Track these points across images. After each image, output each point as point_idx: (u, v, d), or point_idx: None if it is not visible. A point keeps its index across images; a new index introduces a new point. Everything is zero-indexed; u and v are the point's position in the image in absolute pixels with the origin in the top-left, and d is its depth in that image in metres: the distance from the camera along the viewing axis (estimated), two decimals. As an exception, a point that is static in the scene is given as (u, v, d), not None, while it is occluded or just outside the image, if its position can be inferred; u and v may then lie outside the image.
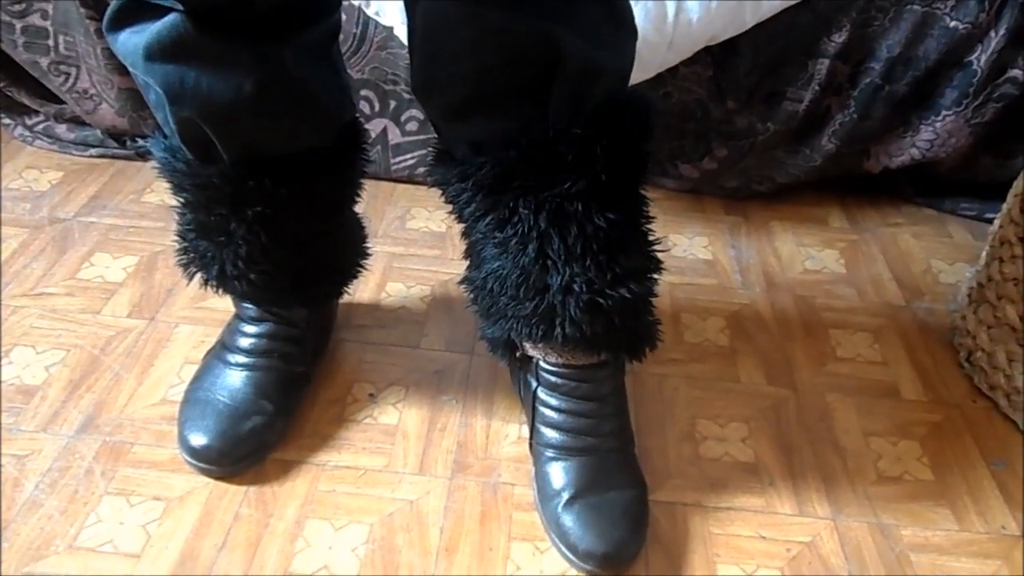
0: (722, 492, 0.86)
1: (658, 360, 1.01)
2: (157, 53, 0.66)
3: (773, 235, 1.26)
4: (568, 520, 0.77)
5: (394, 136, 1.26)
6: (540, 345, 0.78)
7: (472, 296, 0.79)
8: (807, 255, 1.23)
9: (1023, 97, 1.17)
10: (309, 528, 0.80)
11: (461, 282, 0.81)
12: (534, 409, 0.82)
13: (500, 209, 0.69)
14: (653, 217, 0.74)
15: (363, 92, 1.22)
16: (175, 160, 0.76)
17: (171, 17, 0.65)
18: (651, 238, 0.75)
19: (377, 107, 1.23)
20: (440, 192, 0.74)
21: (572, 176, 0.65)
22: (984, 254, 1.03)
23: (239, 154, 0.74)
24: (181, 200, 0.80)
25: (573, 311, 0.71)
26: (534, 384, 0.82)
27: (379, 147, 1.26)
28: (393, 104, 1.23)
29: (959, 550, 0.82)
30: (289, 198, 0.77)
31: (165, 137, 0.76)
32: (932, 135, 1.21)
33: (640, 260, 0.73)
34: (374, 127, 1.25)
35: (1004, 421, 0.97)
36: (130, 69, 0.71)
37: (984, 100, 1.18)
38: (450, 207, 0.75)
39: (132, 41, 0.67)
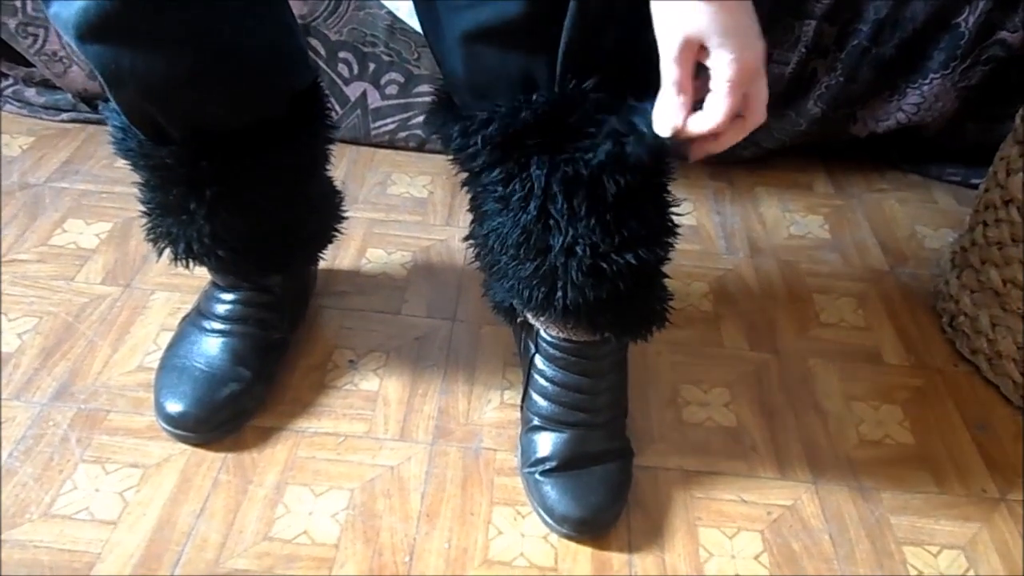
0: (704, 456, 0.86)
1: (641, 325, 1.01)
2: (87, 34, 0.63)
3: (758, 200, 1.26)
4: (547, 486, 0.77)
5: (374, 100, 1.24)
6: (542, 318, 0.75)
7: (475, 252, 0.77)
8: (792, 220, 1.22)
9: (1010, 60, 1.16)
10: (289, 494, 0.79)
11: (466, 238, 0.78)
12: (529, 375, 0.81)
13: (507, 163, 0.65)
14: (674, 176, 0.68)
15: (341, 54, 1.19)
16: (128, 138, 0.73)
17: None
18: (668, 198, 0.69)
19: (356, 70, 1.20)
20: (440, 141, 0.70)
21: (589, 139, 0.62)
22: (968, 218, 1.03)
23: (188, 131, 0.71)
24: (140, 178, 0.77)
25: (575, 275, 0.67)
26: (532, 349, 0.81)
27: (359, 111, 1.24)
28: (372, 67, 1.21)
29: (939, 513, 0.82)
30: (247, 174, 0.74)
31: (119, 114, 0.73)
32: (919, 98, 1.20)
33: (652, 224, 0.68)
34: (353, 91, 1.22)
35: (986, 385, 0.97)
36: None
37: (971, 63, 1.17)
38: (450, 158, 0.71)
39: (63, 16, 0.63)
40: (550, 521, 0.76)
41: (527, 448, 0.80)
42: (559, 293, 0.68)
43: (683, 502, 0.81)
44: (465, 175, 0.71)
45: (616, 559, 0.76)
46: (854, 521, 0.81)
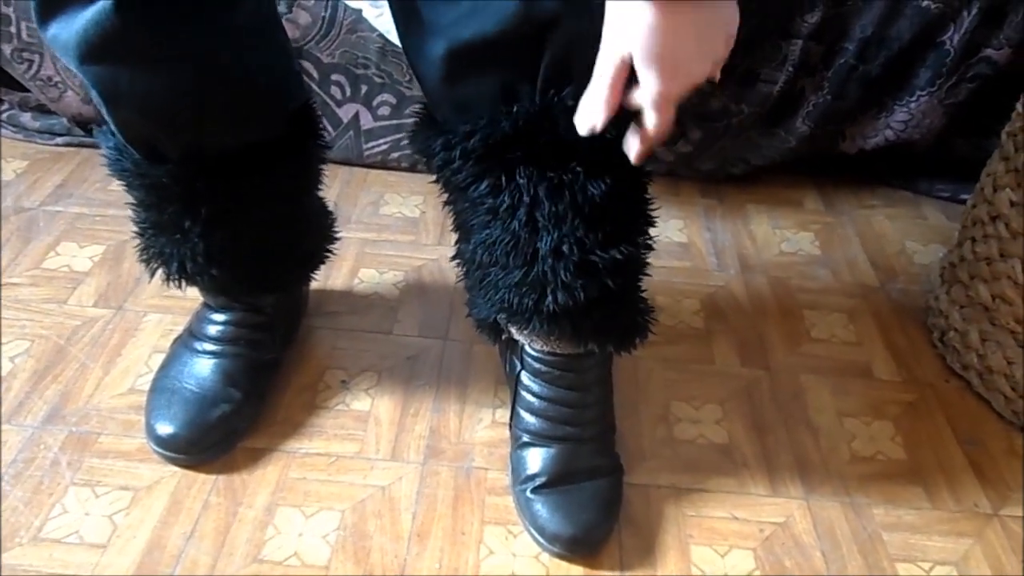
0: (696, 474, 0.85)
1: (633, 343, 1.01)
2: (87, 55, 0.63)
3: (748, 217, 1.26)
4: (538, 504, 0.77)
5: (366, 121, 1.24)
6: (527, 330, 0.75)
7: (464, 270, 0.77)
8: (782, 237, 1.23)
9: (997, 77, 1.17)
10: (279, 516, 0.79)
11: (453, 257, 0.78)
12: (516, 392, 0.82)
13: (493, 175, 0.66)
14: (649, 179, 0.71)
15: (334, 77, 1.20)
16: (123, 159, 0.73)
17: (96, 10, 0.61)
18: (648, 194, 0.72)
19: (348, 92, 1.21)
20: (424, 160, 0.71)
21: (569, 148, 0.63)
22: (957, 234, 1.03)
23: (185, 152, 0.71)
24: (134, 198, 0.78)
25: (563, 275, 0.67)
26: (518, 366, 0.81)
27: (351, 133, 1.25)
28: (365, 88, 1.22)
29: (931, 528, 0.82)
30: (242, 193, 0.75)
31: (113, 135, 0.74)
32: (906, 116, 1.21)
33: (635, 218, 0.70)
34: (345, 112, 1.23)
35: (977, 400, 0.97)
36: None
37: (958, 80, 1.18)
38: (434, 178, 0.72)
39: (62, 38, 0.63)
40: (542, 540, 0.76)
41: (517, 465, 0.80)
42: (548, 298, 0.69)
43: (675, 519, 0.81)
44: (448, 194, 0.72)
45: (608, 578, 0.75)
46: (846, 537, 0.80)
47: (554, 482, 0.77)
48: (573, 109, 0.62)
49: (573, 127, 0.62)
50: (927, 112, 1.20)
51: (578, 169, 0.64)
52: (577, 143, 0.62)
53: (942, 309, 1.03)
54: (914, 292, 1.13)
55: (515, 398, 0.82)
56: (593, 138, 0.61)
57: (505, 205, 0.66)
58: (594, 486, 0.78)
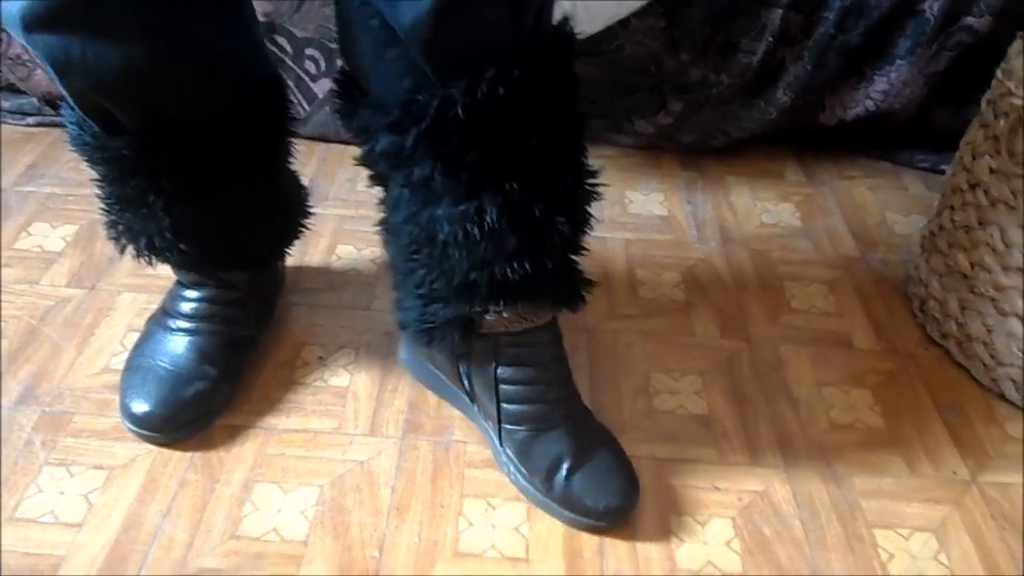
0: (676, 445, 0.85)
1: (613, 316, 1.01)
2: (33, 23, 0.61)
3: (729, 190, 1.26)
4: (577, 487, 0.76)
5: (343, 96, 1.23)
6: (494, 305, 0.71)
7: (416, 260, 0.70)
8: (763, 209, 1.22)
9: (977, 45, 1.17)
10: (257, 492, 0.78)
11: (409, 256, 0.71)
12: (497, 393, 0.79)
13: (448, 158, 0.62)
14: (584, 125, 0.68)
15: (308, 51, 1.18)
16: (83, 132, 0.71)
17: None
18: (584, 158, 0.69)
19: (323, 66, 1.20)
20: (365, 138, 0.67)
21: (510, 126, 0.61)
22: (937, 203, 1.03)
23: (143, 123, 0.70)
24: (97, 173, 0.76)
25: (507, 228, 0.64)
26: (492, 366, 0.78)
27: (327, 108, 1.23)
28: (340, 63, 1.20)
29: (910, 496, 0.82)
30: (205, 165, 0.73)
31: (73, 108, 0.72)
32: (886, 85, 1.20)
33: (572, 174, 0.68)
34: (321, 87, 1.21)
35: (956, 368, 0.97)
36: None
37: (938, 49, 1.18)
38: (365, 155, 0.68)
39: (6, 7, 0.61)
40: (587, 521, 0.76)
41: (529, 463, 0.78)
42: (506, 268, 0.66)
43: (655, 490, 0.80)
44: (393, 174, 0.67)
45: (587, 548, 0.75)
46: (825, 506, 0.81)
47: (579, 459, 0.77)
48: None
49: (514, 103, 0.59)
50: (907, 81, 1.19)
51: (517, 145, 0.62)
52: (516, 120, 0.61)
53: (922, 278, 1.03)
54: (894, 262, 1.13)
55: (498, 401, 0.79)
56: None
57: (464, 177, 0.63)
58: (608, 451, 0.78)
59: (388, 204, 0.73)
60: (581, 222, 0.69)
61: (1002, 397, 0.93)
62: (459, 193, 0.64)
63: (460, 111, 0.59)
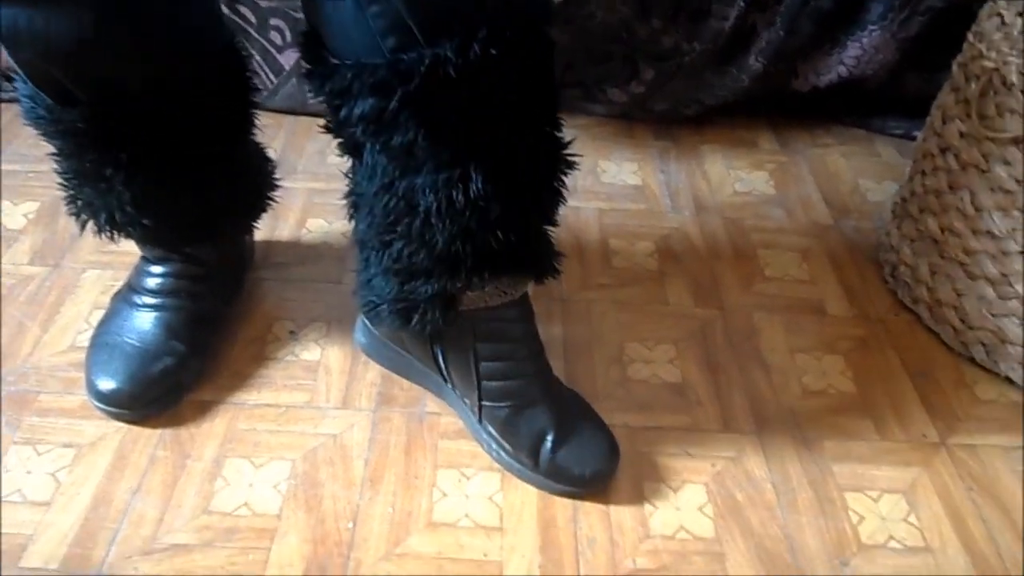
0: (649, 412, 0.86)
1: (587, 286, 1.00)
2: None
3: (703, 158, 1.25)
4: (563, 458, 0.76)
5: (311, 67, 1.21)
6: (478, 277, 0.69)
7: (394, 233, 0.67)
8: (736, 177, 1.22)
9: (948, 10, 1.17)
10: (228, 467, 0.78)
11: (386, 242, 0.69)
12: (478, 371, 0.77)
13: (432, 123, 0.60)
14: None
15: (272, 22, 1.16)
16: (36, 106, 0.70)
17: None
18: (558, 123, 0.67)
19: (288, 37, 1.17)
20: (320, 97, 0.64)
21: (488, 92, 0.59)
22: (908, 169, 1.03)
23: (96, 94, 0.68)
24: (54, 147, 0.74)
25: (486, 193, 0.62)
26: (470, 343, 0.77)
27: (294, 80, 1.21)
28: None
29: (880, 459, 0.83)
30: (161, 136, 0.72)
31: (25, 81, 0.70)
32: (859, 51, 1.20)
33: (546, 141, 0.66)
34: (287, 59, 1.19)
35: (927, 333, 0.98)
36: None
37: (910, 14, 1.17)
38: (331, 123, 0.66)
39: None
40: (575, 489, 0.76)
41: (513, 438, 0.77)
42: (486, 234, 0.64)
43: (628, 458, 0.80)
44: (389, 168, 0.64)
45: (561, 515, 0.75)
46: (797, 470, 0.81)
47: (562, 430, 0.77)
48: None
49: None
50: (880, 47, 1.19)
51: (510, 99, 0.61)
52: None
53: (893, 244, 1.03)
54: (867, 229, 1.14)
55: (478, 379, 0.78)
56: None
57: (446, 142, 0.61)
58: (587, 419, 0.79)
59: (361, 174, 0.69)
60: (559, 191, 0.68)
61: (972, 361, 0.94)
62: (442, 159, 0.61)
63: (452, 72, 0.56)
